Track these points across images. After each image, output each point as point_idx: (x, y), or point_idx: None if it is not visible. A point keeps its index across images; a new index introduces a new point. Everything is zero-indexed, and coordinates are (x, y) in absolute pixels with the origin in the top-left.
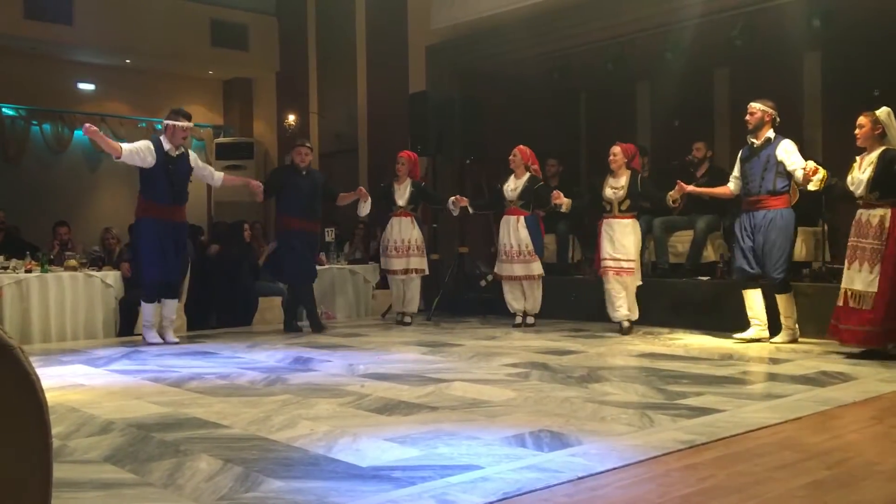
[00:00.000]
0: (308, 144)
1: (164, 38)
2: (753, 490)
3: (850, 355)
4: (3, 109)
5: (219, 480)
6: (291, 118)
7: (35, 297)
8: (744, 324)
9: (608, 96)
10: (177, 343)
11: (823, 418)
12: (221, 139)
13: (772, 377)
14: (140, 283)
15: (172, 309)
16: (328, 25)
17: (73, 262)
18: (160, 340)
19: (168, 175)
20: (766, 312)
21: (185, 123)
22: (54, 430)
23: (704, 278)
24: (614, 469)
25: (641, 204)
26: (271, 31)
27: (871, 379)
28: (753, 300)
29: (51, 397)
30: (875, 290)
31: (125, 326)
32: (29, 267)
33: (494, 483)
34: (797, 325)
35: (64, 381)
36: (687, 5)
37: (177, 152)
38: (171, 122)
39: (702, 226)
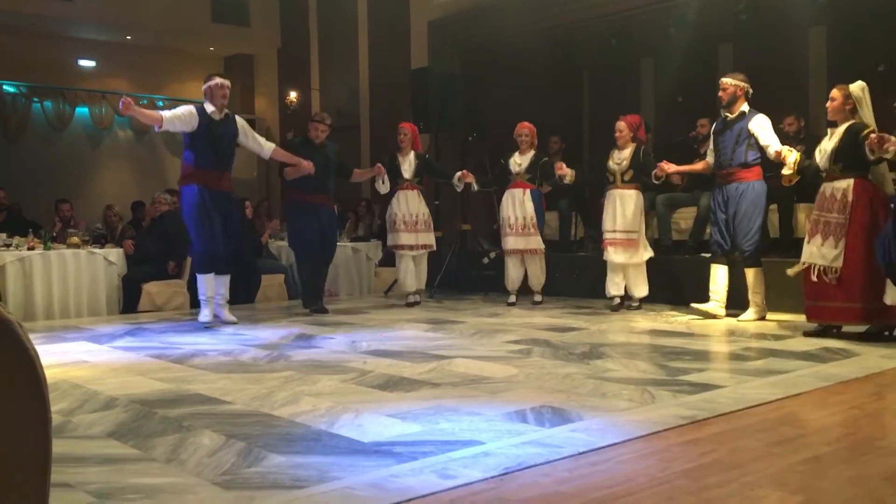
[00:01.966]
0: (327, 122)
1: (165, 14)
2: (754, 465)
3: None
4: (4, 86)
5: (221, 456)
6: (293, 95)
7: (38, 275)
8: (744, 301)
9: (611, 72)
10: (234, 323)
11: (824, 394)
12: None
13: (773, 353)
14: (191, 254)
15: (224, 285)
16: (329, 1)
17: (75, 240)
18: (210, 320)
19: (212, 139)
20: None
21: (220, 80)
22: (58, 407)
23: (707, 255)
24: (615, 444)
25: (643, 177)
26: (272, 7)
27: (873, 355)
28: (718, 276)
29: (54, 374)
30: (840, 265)
31: (128, 303)
32: (31, 244)
33: (495, 458)
34: (765, 302)
35: (67, 357)
36: None
37: (221, 116)
38: (207, 84)
39: (705, 202)
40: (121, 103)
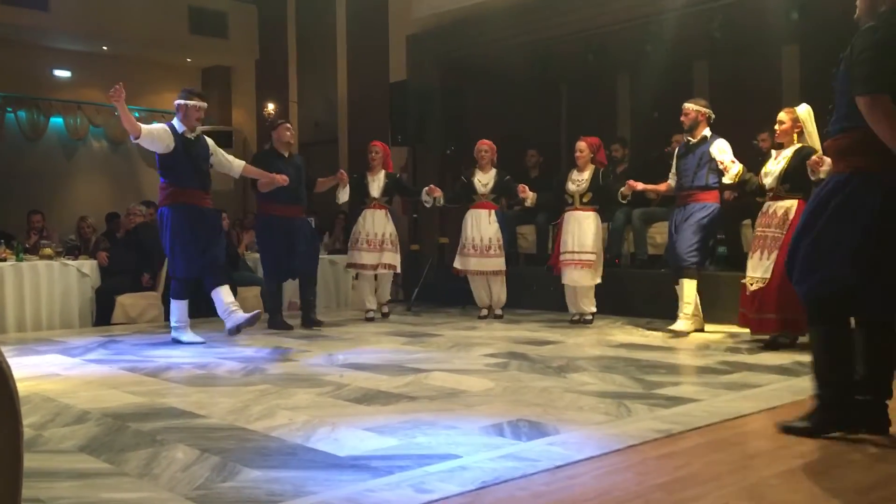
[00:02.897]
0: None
1: (142, 25)
2: (729, 478)
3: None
4: None
5: (195, 470)
6: (270, 107)
7: (10, 286)
8: (718, 316)
9: (589, 87)
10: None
11: (798, 408)
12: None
13: (747, 367)
14: (172, 279)
15: (229, 294)
16: (308, 13)
17: (48, 251)
18: (199, 340)
19: (190, 158)
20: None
21: (198, 103)
22: (29, 420)
23: None
24: (591, 458)
25: (604, 197)
26: (251, 19)
27: None
28: (687, 292)
29: (26, 387)
30: (769, 276)
31: (101, 316)
32: (3, 255)
33: (472, 472)
34: (700, 313)
35: (39, 370)
36: None
37: (193, 135)
38: (183, 102)
39: None
40: (114, 89)
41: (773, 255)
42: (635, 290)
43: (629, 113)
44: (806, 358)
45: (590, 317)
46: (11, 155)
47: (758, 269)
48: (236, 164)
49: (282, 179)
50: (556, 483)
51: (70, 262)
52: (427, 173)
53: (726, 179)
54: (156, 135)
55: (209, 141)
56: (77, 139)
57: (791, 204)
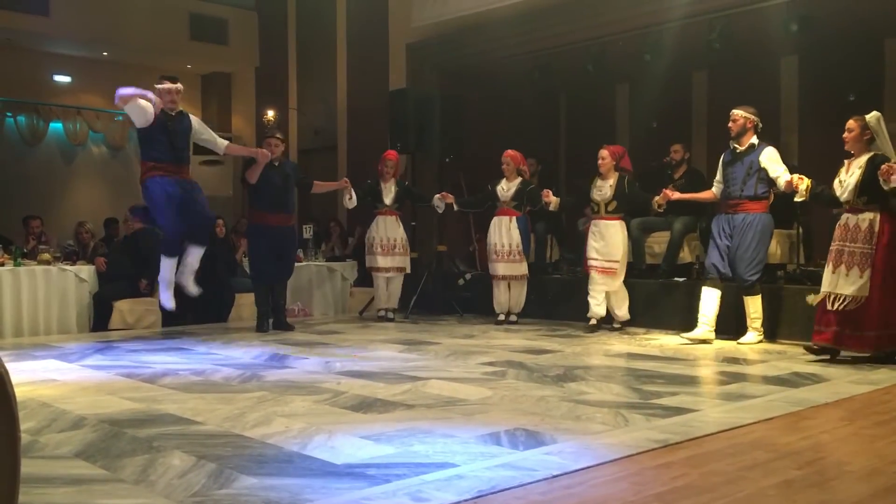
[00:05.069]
0: (278, 136)
1: (143, 31)
2: (725, 489)
3: (826, 360)
4: None
5: (191, 477)
6: (270, 114)
7: (7, 291)
8: (720, 326)
9: (588, 97)
10: (195, 294)
11: (795, 419)
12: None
13: (745, 378)
14: (161, 239)
15: (197, 258)
16: (308, 21)
17: (46, 256)
18: (172, 306)
19: (168, 133)
20: (733, 313)
21: (168, 85)
22: (25, 426)
23: (680, 279)
24: (589, 467)
25: (627, 205)
26: (251, 26)
27: (843, 380)
28: (708, 300)
29: (22, 392)
30: (866, 294)
31: (99, 321)
32: (1, 260)
33: (469, 481)
34: (762, 327)
35: (36, 376)
36: (666, 8)
37: (173, 112)
38: (157, 87)
39: (678, 227)
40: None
41: (867, 272)
42: (633, 300)
43: (628, 123)
44: (804, 369)
45: (619, 325)
46: (10, 160)
47: (844, 286)
48: (220, 143)
49: (263, 153)
50: (553, 493)
51: (68, 267)
52: (426, 181)
53: (798, 197)
54: (142, 105)
55: (193, 119)
56: (76, 144)
57: (873, 216)
